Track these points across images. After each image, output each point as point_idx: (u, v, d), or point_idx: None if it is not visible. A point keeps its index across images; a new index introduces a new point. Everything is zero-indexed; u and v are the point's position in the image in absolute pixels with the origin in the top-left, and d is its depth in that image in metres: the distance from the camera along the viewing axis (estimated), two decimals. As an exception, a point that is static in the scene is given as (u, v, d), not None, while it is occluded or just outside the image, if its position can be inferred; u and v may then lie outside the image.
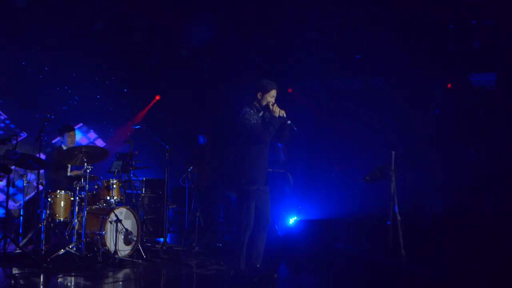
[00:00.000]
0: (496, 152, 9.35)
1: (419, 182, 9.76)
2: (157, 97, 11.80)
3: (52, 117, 7.29)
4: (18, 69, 10.39)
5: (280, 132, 5.96)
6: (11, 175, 6.91)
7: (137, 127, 8.62)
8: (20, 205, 7.52)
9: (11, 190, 7.15)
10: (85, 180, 7.23)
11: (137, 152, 8.24)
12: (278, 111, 5.81)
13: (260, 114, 5.85)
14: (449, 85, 10.47)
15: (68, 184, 7.73)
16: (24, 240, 7.20)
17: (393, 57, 10.26)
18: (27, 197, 7.82)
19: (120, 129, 11.55)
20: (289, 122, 5.81)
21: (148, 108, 11.67)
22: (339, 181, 9.96)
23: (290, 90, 11.39)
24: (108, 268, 6.76)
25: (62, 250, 6.84)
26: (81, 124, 11.32)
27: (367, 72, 10.85)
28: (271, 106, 5.79)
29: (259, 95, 5.84)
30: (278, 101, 5.95)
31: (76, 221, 7.18)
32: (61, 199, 7.37)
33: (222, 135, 9.93)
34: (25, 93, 10.49)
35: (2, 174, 7.22)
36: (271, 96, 5.84)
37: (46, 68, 10.58)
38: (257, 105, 5.86)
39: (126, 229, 7.39)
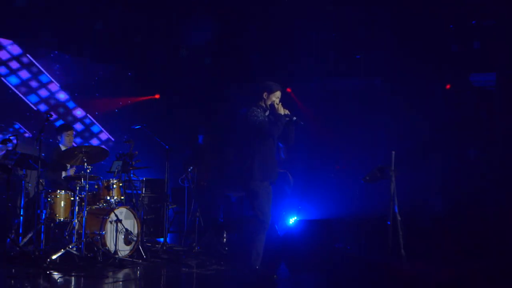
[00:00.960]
0: (496, 153, 9.34)
1: (419, 182, 9.75)
2: (157, 96, 11.78)
3: (53, 117, 7.28)
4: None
5: (286, 132, 6.10)
6: None
7: (137, 127, 8.62)
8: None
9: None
10: (85, 180, 7.24)
11: (137, 152, 8.23)
12: (283, 110, 6.00)
13: (266, 113, 5.97)
14: (447, 86, 10.46)
15: (68, 184, 7.73)
16: (24, 240, 7.19)
17: (393, 57, 10.25)
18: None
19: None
20: (294, 118, 6.03)
21: (142, 99, 11.57)
22: (339, 181, 9.95)
23: (289, 90, 11.38)
24: (108, 268, 6.76)
25: (62, 250, 6.84)
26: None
27: (367, 72, 10.84)
28: (276, 105, 6.00)
29: (265, 95, 6.04)
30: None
31: (76, 221, 7.18)
32: (61, 199, 7.36)
33: (227, 134, 9.91)
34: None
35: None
36: (276, 97, 6.06)
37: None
38: (262, 104, 6.05)
39: (126, 229, 7.39)
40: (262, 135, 5.91)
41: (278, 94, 6.04)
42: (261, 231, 5.93)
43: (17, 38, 10.01)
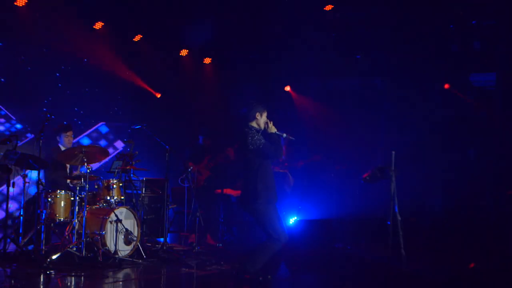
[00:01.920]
0: (495, 152, 9.36)
1: (419, 182, 9.76)
2: (158, 95, 11.78)
3: (53, 117, 7.29)
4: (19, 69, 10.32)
5: None
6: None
7: (137, 127, 8.61)
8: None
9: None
10: (85, 180, 7.24)
11: (137, 152, 8.23)
12: (273, 128, 6.12)
13: (260, 134, 6.03)
14: (447, 86, 10.46)
15: (68, 184, 7.73)
16: (25, 240, 7.20)
17: (393, 57, 10.26)
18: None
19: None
20: (284, 135, 6.12)
21: (143, 85, 11.53)
22: (339, 181, 9.95)
23: (289, 89, 11.38)
24: (108, 268, 6.76)
25: (62, 250, 6.85)
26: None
27: (367, 72, 10.85)
28: (269, 124, 6.10)
29: (257, 115, 6.11)
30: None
31: (76, 221, 7.18)
32: (61, 199, 7.36)
33: (227, 134, 9.91)
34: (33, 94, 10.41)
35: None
36: (265, 116, 6.17)
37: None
38: (255, 126, 6.10)
39: (126, 229, 7.38)
40: (265, 157, 5.97)
41: (266, 113, 6.19)
42: (276, 246, 5.92)
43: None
